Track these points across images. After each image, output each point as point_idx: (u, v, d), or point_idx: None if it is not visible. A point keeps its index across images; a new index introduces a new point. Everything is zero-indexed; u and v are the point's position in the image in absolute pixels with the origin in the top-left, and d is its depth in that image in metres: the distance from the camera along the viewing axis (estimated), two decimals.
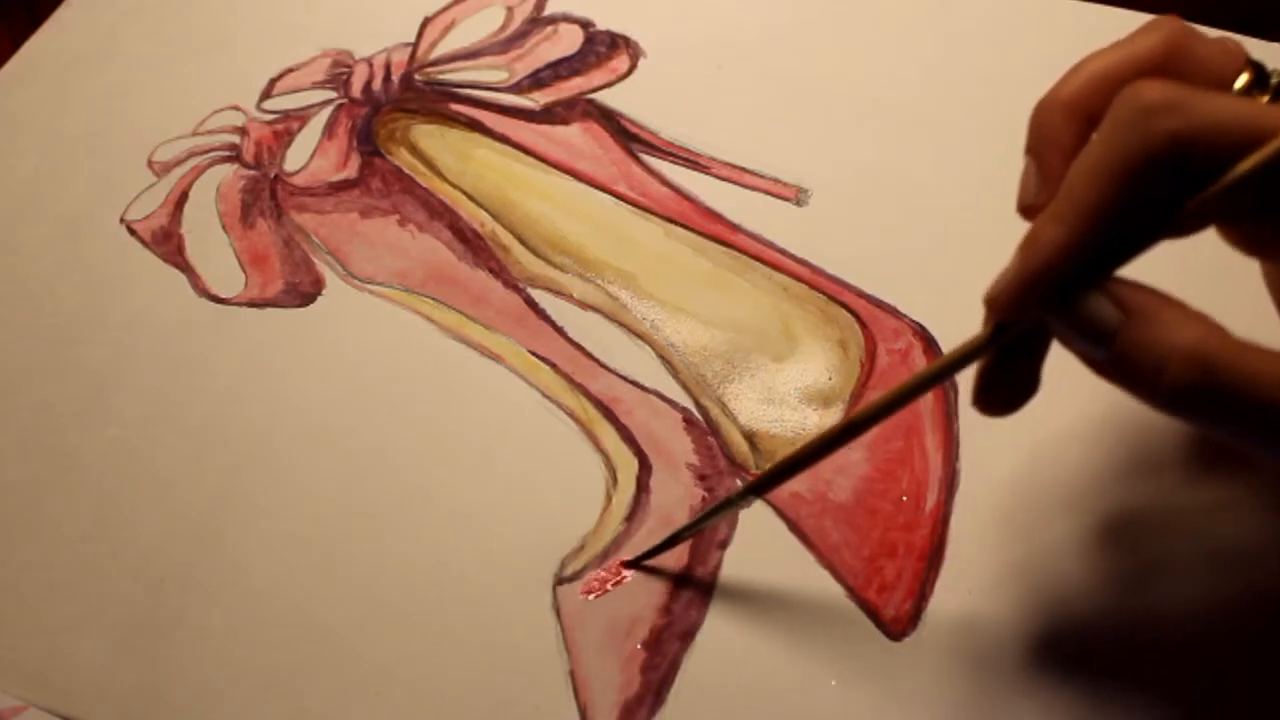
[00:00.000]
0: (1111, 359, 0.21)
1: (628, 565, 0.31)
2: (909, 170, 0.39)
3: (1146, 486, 0.31)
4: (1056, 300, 0.22)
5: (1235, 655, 0.28)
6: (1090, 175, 0.21)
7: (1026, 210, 0.24)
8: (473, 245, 0.39)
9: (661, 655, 0.30)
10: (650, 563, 0.31)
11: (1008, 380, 0.24)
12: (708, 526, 0.31)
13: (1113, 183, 0.20)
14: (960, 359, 0.24)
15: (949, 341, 0.35)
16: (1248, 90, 0.23)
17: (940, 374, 0.24)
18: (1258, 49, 0.40)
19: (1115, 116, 0.21)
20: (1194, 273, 0.26)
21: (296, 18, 0.48)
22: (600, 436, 0.34)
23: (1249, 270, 0.26)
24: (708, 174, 0.40)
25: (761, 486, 0.28)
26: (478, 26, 0.46)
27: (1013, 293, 0.22)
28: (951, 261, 0.36)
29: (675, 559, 0.31)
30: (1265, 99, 0.23)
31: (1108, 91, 0.23)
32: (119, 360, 0.38)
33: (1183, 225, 0.21)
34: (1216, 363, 0.20)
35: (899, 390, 0.25)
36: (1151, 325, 0.21)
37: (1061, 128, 0.23)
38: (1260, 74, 0.23)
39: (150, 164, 0.44)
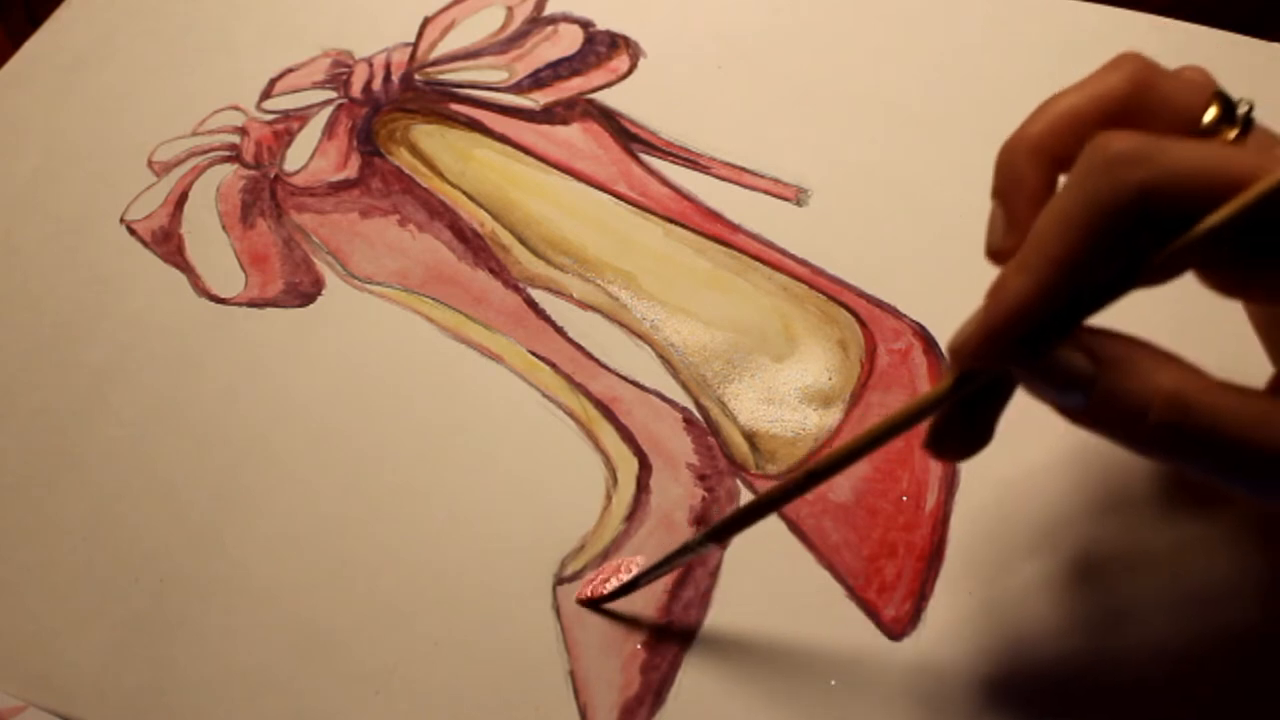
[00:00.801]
0: (1089, 409, 0.21)
1: (587, 604, 0.31)
2: (909, 170, 0.39)
3: (1134, 507, 0.31)
4: (1022, 351, 0.21)
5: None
6: (1058, 225, 0.21)
7: (995, 255, 0.24)
8: (473, 245, 0.39)
9: (661, 655, 0.30)
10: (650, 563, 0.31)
11: (964, 428, 0.24)
12: (666, 572, 0.30)
13: (1081, 233, 0.20)
14: (924, 407, 0.23)
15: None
16: (1216, 124, 0.23)
17: (904, 422, 0.23)
18: (1259, 49, 0.40)
19: (1083, 166, 0.21)
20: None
21: (296, 18, 0.48)
22: (600, 436, 0.34)
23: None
24: (708, 174, 0.40)
25: (719, 533, 0.28)
26: (478, 26, 0.46)
27: (977, 342, 0.22)
28: (951, 261, 0.36)
29: None
30: (1234, 132, 0.22)
31: (1073, 133, 0.23)
32: (119, 360, 0.38)
33: (1154, 276, 0.21)
34: (1196, 406, 0.20)
35: (862, 438, 0.24)
36: (1128, 374, 0.20)
37: (1027, 171, 0.23)
38: (1227, 106, 0.23)
39: (150, 164, 0.44)
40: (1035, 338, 0.21)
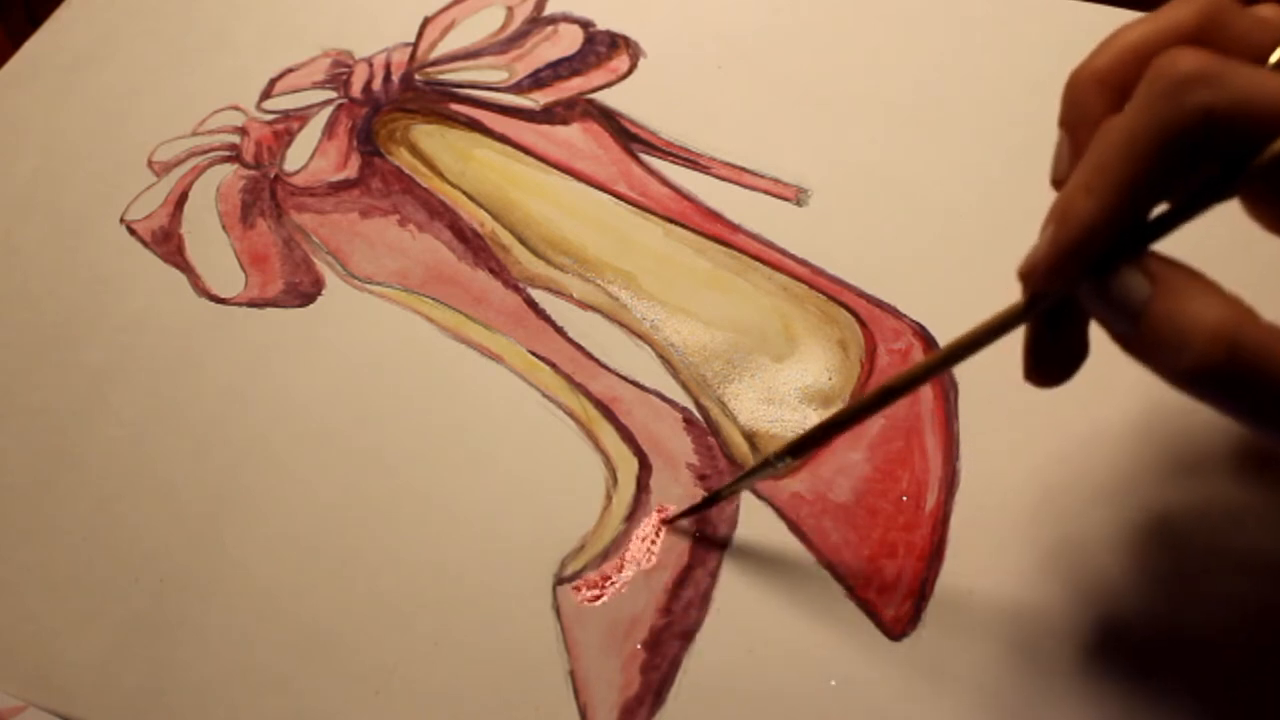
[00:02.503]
0: (1139, 332, 0.21)
1: (667, 522, 0.32)
2: (909, 170, 0.39)
3: (1133, 509, 0.31)
4: (1089, 271, 0.21)
5: (1246, 662, 0.28)
6: (1123, 146, 0.21)
7: (1060, 184, 0.24)
8: (473, 245, 0.39)
9: (661, 655, 0.30)
10: (650, 563, 0.31)
11: (1057, 348, 0.24)
12: (740, 489, 0.32)
13: (1145, 154, 0.20)
14: (996, 328, 0.24)
15: (949, 342, 0.35)
16: None
17: (976, 343, 0.24)
18: None
19: (1148, 87, 0.20)
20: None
21: (296, 18, 0.48)
22: (600, 436, 0.34)
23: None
24: (708, 174, 0.40)
25: (802, 447, 0.28)
26: (478, 26, 0.46)
27: (1048, 263, 0.22)
28: (951, 261, 0.36)
29: (676, 558, 0.31)
30: None
31: (1141, 64, 0.22)
32: (119, 360, 0.38)
33: (1215, 198, 0.21)
34: (1243, 343, 0.19)
35: (936, 357, 0.25)
36: (1179, 299, 0.20)
37: (1094, 101, 0.23)
38: None
39: (150, 164, 0.44)
40: (1101, 260, 0.21)
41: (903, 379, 0.25)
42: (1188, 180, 0.21)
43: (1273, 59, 0.22)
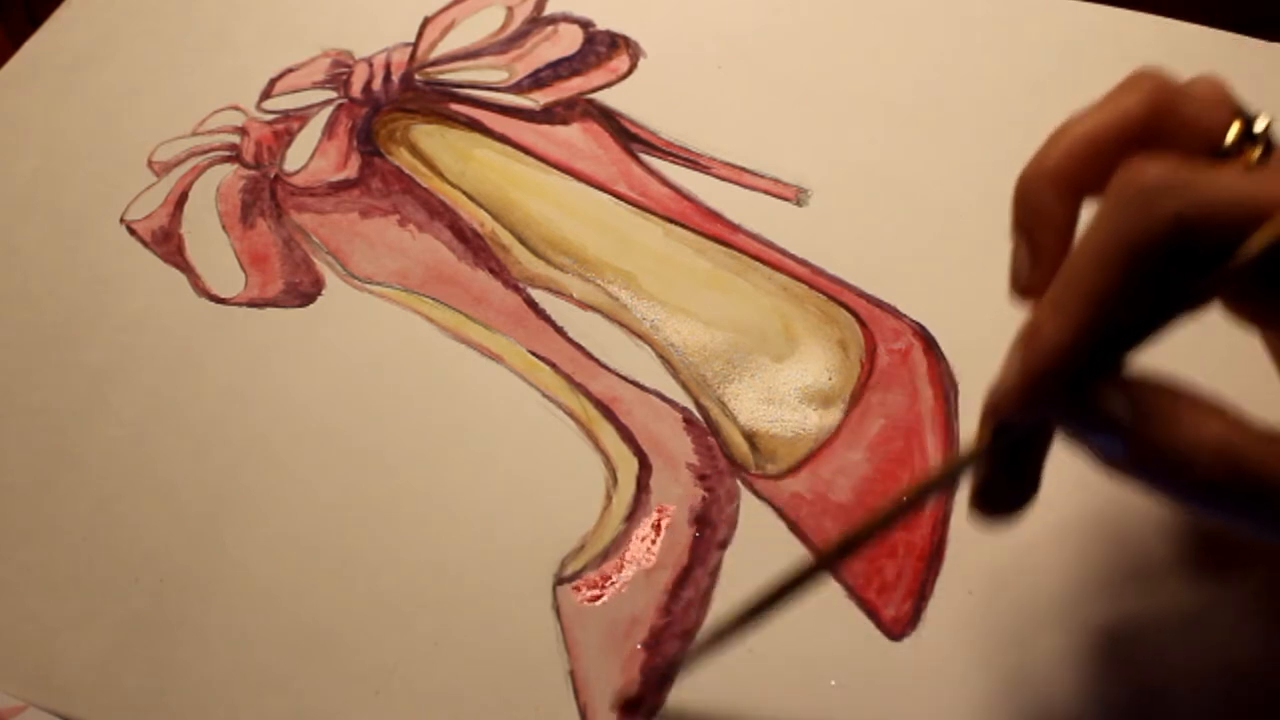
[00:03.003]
0: (1129, 458, 0.20)
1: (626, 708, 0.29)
2: (909, 170, 0.39)
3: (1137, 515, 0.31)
4: (1064, 398, 0.20)
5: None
6: (1092, 262, 0.20)
7: (1022, 291, 0.23)
8: (473, 245, 0.39)
9: (661, 655, 0.30)
10: (650, 563, 0.31)
11: (1010, 483, 0.23)
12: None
13: (1117, 269, 0.19)
14: (962, 464, 0.22)
15: (949, 341, 0.35)
16: (1239, 143, 0.22)
17: (941, 482, 0.22)
18: (1259, 50, 0.40)
19: (1116, 199, 0.20)
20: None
21: (296, 18, 0.48)
22: (600, 436, 0.34)
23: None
24: (708, 174, 0.40)
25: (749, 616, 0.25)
26: (478, 26, 0.46)
27: (1021, 394, 0.21)
28: (951, 261, 0.36)
29: (676, 558, 0.31)
30: (1258, 150, 0.22)
31: (1094, 159, 0.22)
32: (119, 360, 0.38)
33: (1190, 307, 0.20)
34: (1244, 455, 0.19)
35: (893, 507, 0.23)
36: (1172, 422, 0.19)
37: (1049, 202, 0.22)
38: (1248, 123, 0.22)
39: (150, 164, 0.44)
40: (1076, 383, 0.20)
41: (859, 530, 0.23)
42: (1162, 292, 0.20)
43: (1228, 138, 0.22)
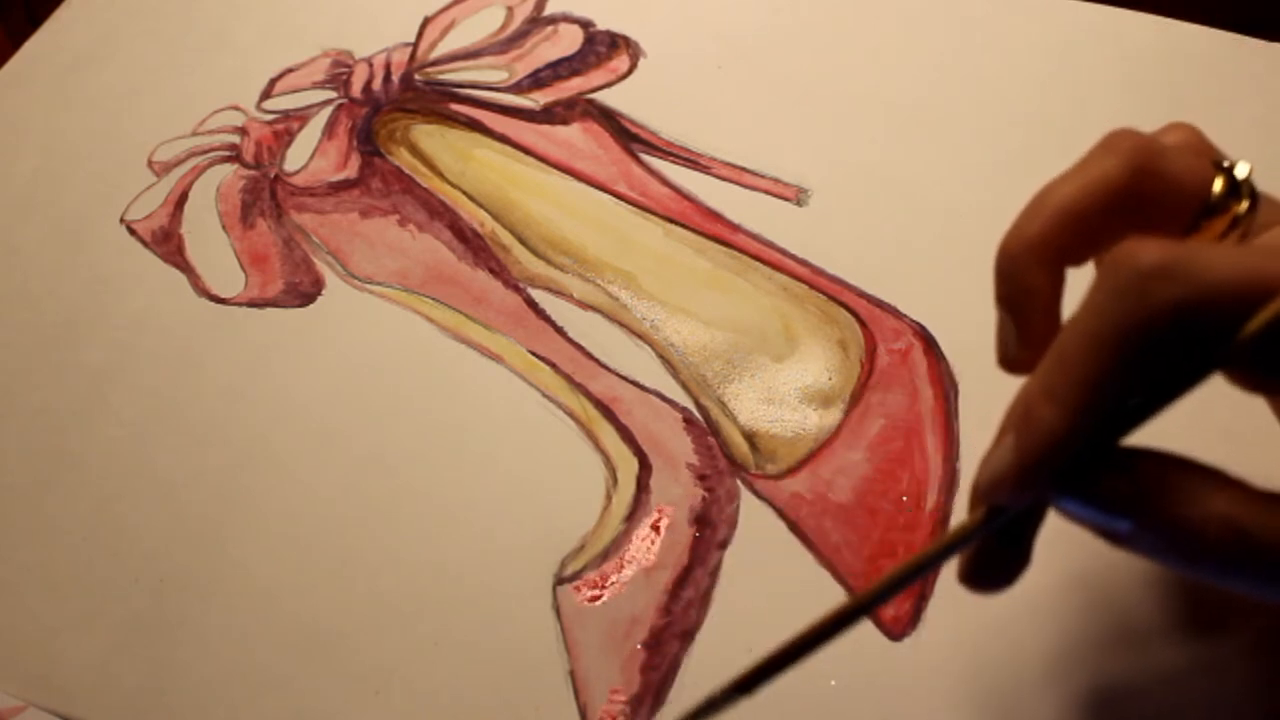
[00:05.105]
0: (1136, 535, 0.20)
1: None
2: (909, 170, 0.39)
3: None
4: (1060, 482, 0.20)
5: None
6: (1087, 347, 0.19)
7: (1009, 366, 0.23)
8: (473, 245, 0.39)
9: (661, 655, 0.30)
10: (650, 563, 0.31)
11: (1001, 558, 0.22)
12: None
13: (1112, 355, 0.19)
14: (955, 543, 0.22)
15: (949, 342, 0.35)
16: (1224, 199, 0.22)
17: (932, 560, 0.21)
18: (1259, 49, 0.40)
19: (1112, 286, 0.19)
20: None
21: (296, 18, 0.48)
22: (600, 436, 0.34)
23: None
24: (708, 174, 0.40)
25: (754, 680, 0.23)
26: (478, 26, 0.46)
27: (1015, 479, 0.20)
28: (951, 261, 0.36)
29: (676, 558, 0.31)
30: (1244, 205, 0.22)
31: (1076, 228, 0.21)
32: (119, 360, 0.38)
33: (1187, 386, 0.20)
34: (1252, 529, 0.19)
35: (889, 579, 0.22)
36: (1177, 500, 0.19)
37: (1033, 275, 0.22)
38: (1231, 178, 0.22)
39: (150, 164, 0.44)
40: (1072, 468, 0.20)
41: (861, 598, 0.22)
42: (1160, 376, 0.19)
43: (1213, 193, 0.22)
